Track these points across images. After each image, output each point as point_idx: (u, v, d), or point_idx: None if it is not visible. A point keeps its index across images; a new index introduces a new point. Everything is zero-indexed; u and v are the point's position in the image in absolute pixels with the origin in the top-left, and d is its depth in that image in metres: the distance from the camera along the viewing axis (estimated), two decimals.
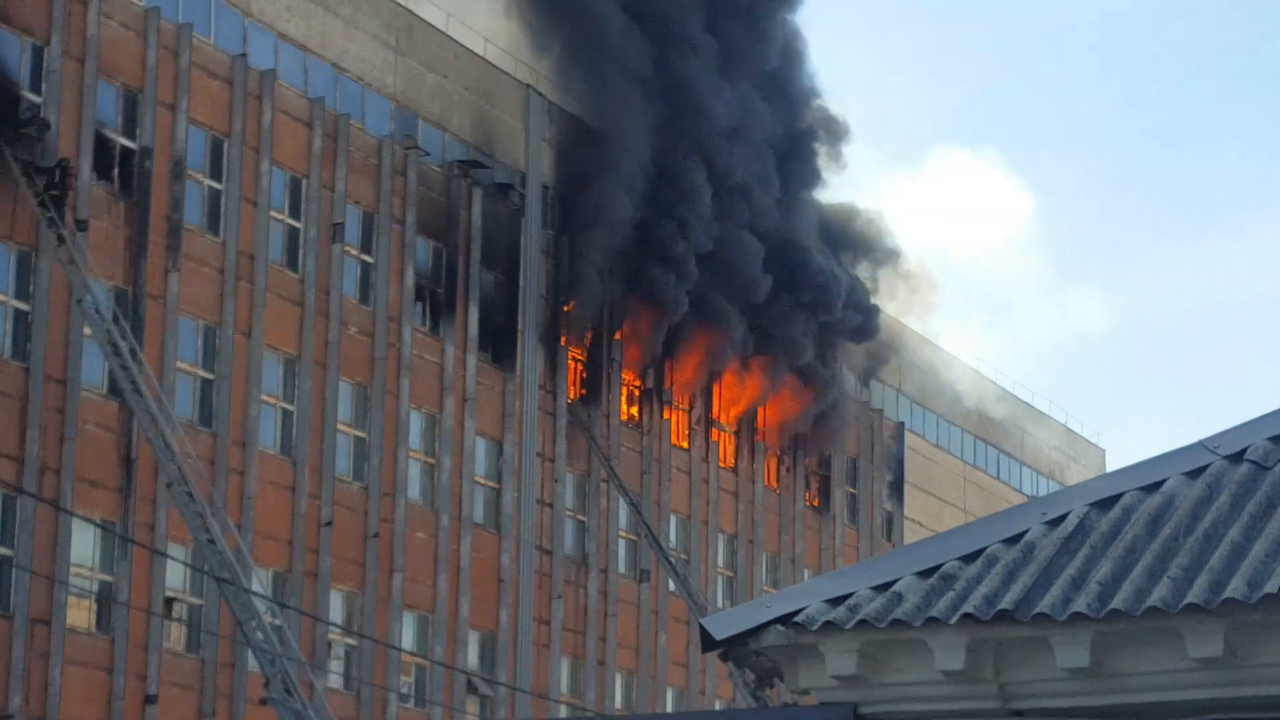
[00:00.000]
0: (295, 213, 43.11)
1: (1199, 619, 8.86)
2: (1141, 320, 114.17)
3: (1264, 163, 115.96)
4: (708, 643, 9.76)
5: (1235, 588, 8.83)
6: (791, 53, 55.23)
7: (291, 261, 42.90)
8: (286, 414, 42.42)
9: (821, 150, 56.19)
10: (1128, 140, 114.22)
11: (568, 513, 49.74)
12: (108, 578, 38.17)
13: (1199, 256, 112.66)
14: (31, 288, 37.47)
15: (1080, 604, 9.04)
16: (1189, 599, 8.87)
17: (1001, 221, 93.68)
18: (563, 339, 49.95)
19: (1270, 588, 8.77)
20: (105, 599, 37.91)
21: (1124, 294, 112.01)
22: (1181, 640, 8.94)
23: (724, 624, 9.72)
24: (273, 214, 42.44)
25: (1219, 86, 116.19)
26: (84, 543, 37.62)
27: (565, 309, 49.97)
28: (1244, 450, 9.88)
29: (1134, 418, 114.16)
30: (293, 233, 43.06)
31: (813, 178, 55.57)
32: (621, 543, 51.52)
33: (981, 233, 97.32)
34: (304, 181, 43.26)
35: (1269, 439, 9.89)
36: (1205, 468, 9.88)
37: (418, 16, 47.06)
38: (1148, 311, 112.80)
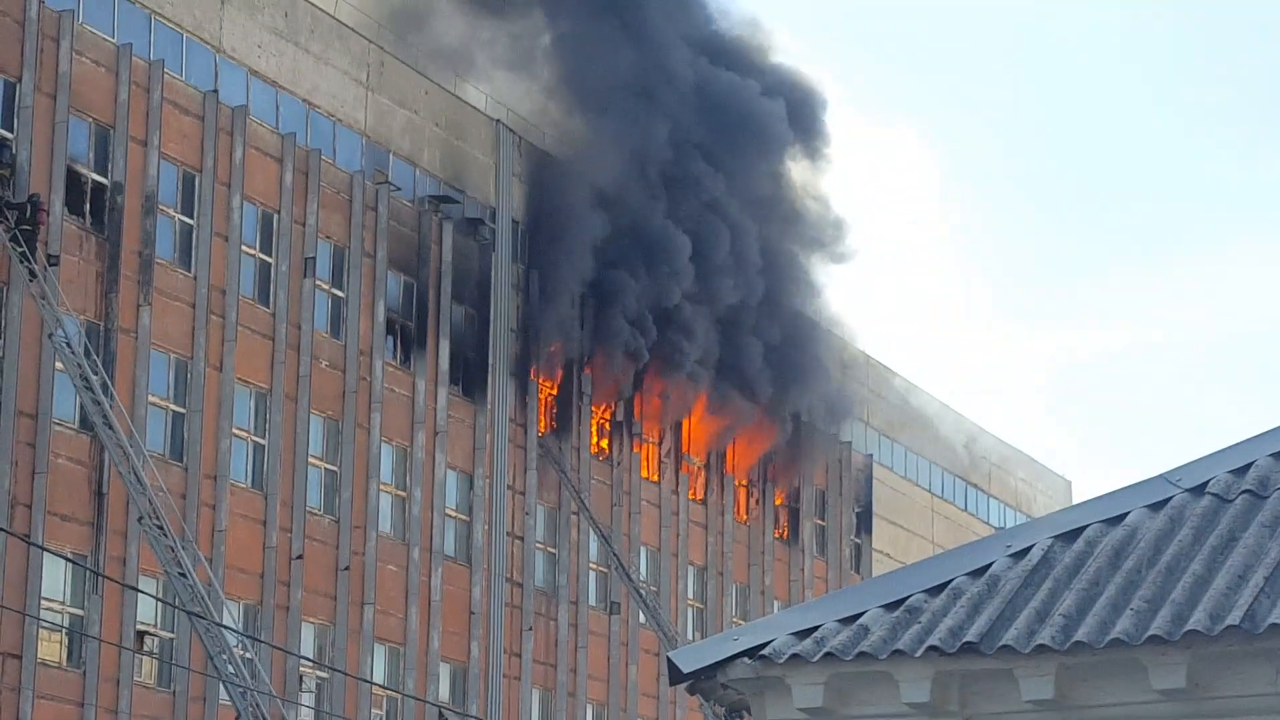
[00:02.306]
0: (266, 247, 43.06)
1: (1162, 651, 8.88)
2: (1109, 353, 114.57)
3: (1221, 194, 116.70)
4: (675, 675, 9.75)
5: (1198, 620, 8.85)
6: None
7: (263, 296, 42.83)
8: (258, 447, 42.32)
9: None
10: (1074, 164, 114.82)
11: (538, 545, 49.67)
12: (79, 611, 37.99)
13: (1162, 287, 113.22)
14: (3, 322, 37.35)
15: (1044, 636, 9.06)
16: (1152, 631, 8.89)
17: (950, 259, 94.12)
18: (533, 372, 49.94)
19: (1232, 620, 8.79)
20: (76, 633, 37.72)
21: (1088, 327, 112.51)
22: (1145, 672, 8.96)
23: (691, 657, 9.72)
24: (244, 248, 42.38)
25: (1180, 118, 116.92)
26: (55, 576, 37.43)
27: (535, 342, 49.97)
28: (1206, 483, 9.91)
29: (1101, 449, 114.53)
30: (264, 267, 42.99)
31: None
32: (592, 575, 51.46)
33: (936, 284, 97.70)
34: (275, 216, 43.22)
35: (1230, 472, 9.93)
36: (1167, 500, 9.91)
37: (388, 53, 47.13)
38: (1114, 344, 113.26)
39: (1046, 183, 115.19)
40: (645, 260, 51.40)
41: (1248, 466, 9.92)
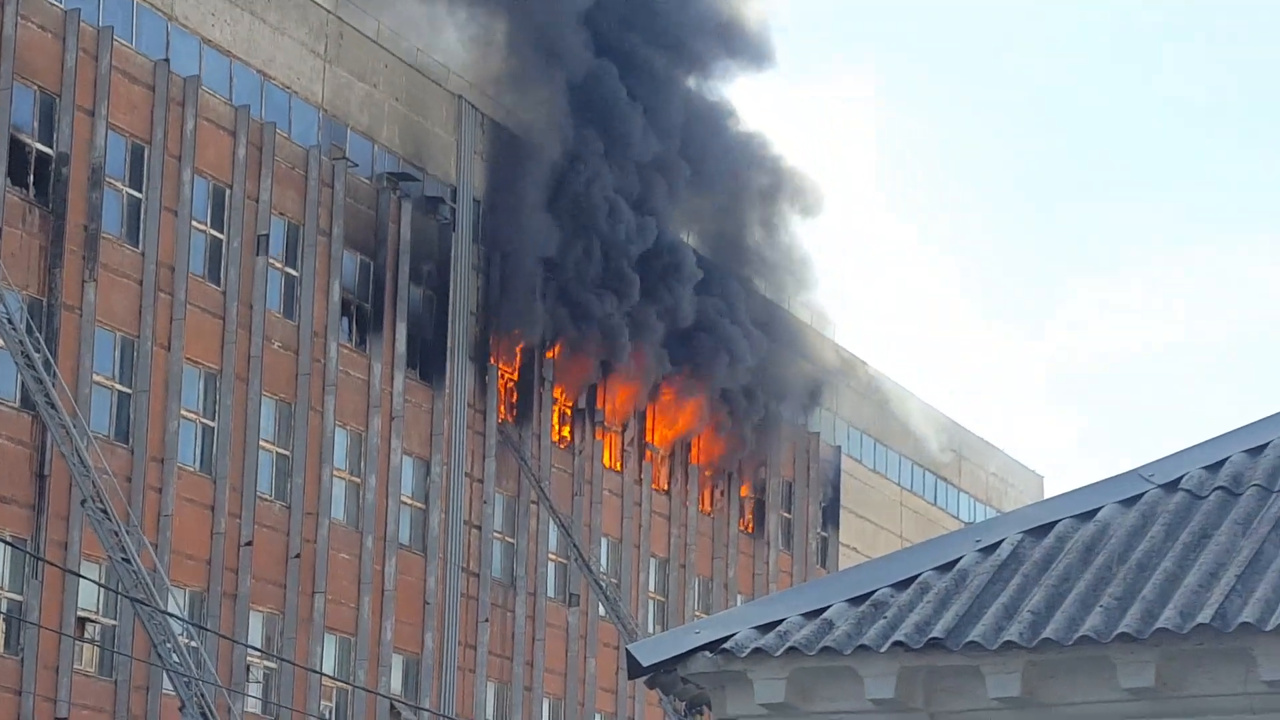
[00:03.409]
0: (218, 223, 42.94)
1: (1131, 649, 8.96)
2: (1099, 352, 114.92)
3: (1226, 189, 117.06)
4: (635, 669, 9.79)
5: (1168, 618, 8.93)
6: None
7: (214, 274, 42.72)
8: (207, 430, 42.23)
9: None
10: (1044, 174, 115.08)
11: (496, 534, 49.69)
12: (18, 597, 37.87)
13: (1164, 285, 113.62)
14: None
15: (1012, 633, 9.13)
16: (1121, 628, 8.97)
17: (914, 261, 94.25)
18: (493, 357, 49.91)
19: (1203, 618, 8.88)
20: (15, 619, 37.60)
21: (1078, 326, 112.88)
22: (1114, 670, 9.04)
23: (651, 650, 9.76)
24: (194, 224, 42.25)
25: (1161, 116, 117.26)
26: None
27: (496, 325, 49.95)
28: (1179, 479, 9.99)
29: (1074, 445, 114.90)
30: (215, 244, 42.88)
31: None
32: (551, 566, 51.48)
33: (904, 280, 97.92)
34: (228, 191, 43.10)
35: (1204, 468, 10.01)
36: (1140, 496, 9.98)
37: (348, 24, 47.01)
38: (1108, 344, 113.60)
39: (1041, 174, 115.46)
40: (607, 246, 51.40)
41: (1222, 462, 10.00)
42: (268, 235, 43.64)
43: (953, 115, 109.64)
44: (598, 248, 51.01)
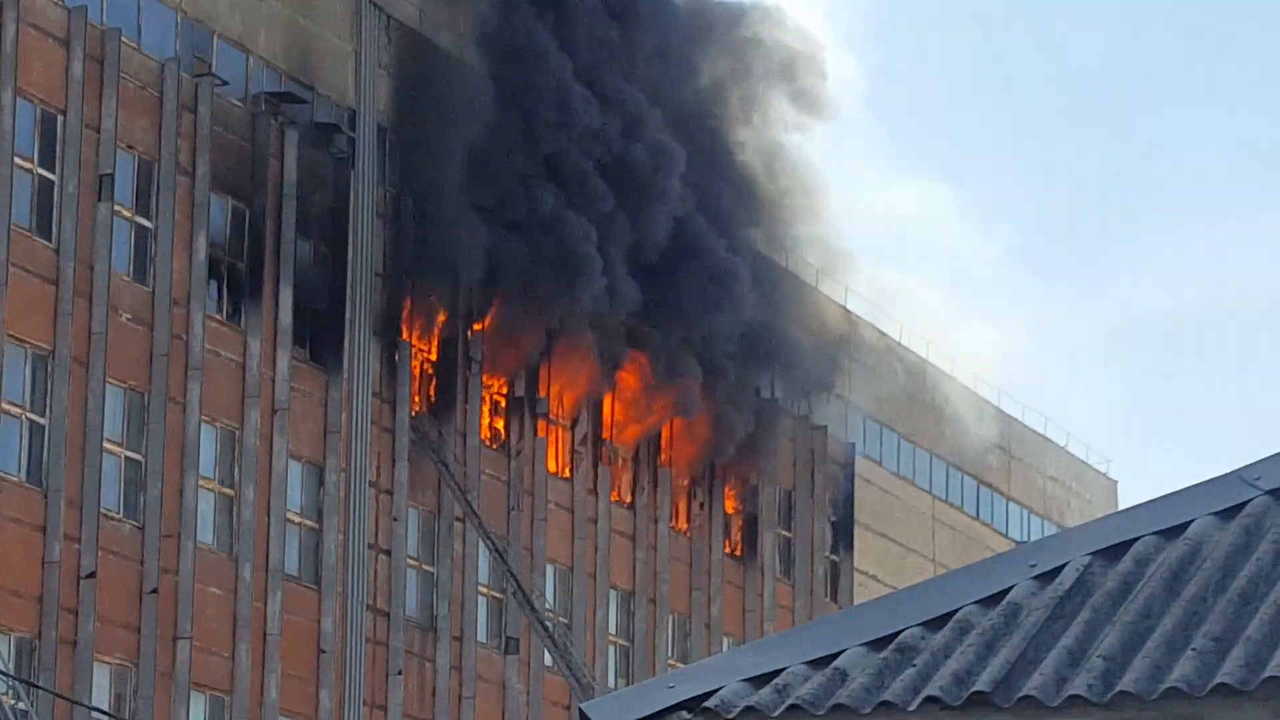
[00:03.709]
0: (48, 160, 42.85)
1: (1234, 704, 8.98)
2: (1172, 315, 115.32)
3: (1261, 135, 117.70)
4: None
5: None
6: None
7: (43, 225, 42.64)
8: (35, 428, 42.16)
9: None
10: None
11: (410, 562, 49.73)
12: None
13: (1195, 244, 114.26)
14: None
15: (1079, 685, 9.14)
16: (1220, 678, 8.98)
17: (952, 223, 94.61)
18: (405, 331, 49.91)
19: None
20: None
21: (1144, 284, 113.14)
22: None
23: (614, 710, 9.76)
24: (18, 161, 42.15)
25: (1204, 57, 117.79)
26: None
27: (408, 290, 49.95)
28: None
29: (1153, 438, 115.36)
30: (45, 186, 42.79)
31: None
32: (482, 602, 51.57)
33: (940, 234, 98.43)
34: (60, 118, 43.01)
35: None
36: (1242, 506, 10.00)
37: None
38: (1179, 304, 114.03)
39: (1095, 114, 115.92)
40: (557, 182, 51.42)
41: None
42: (112, 175, 43.56)
43: (989, 41, 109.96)
44: (542, 169, 50.88)
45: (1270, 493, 10.04)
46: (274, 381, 46.55)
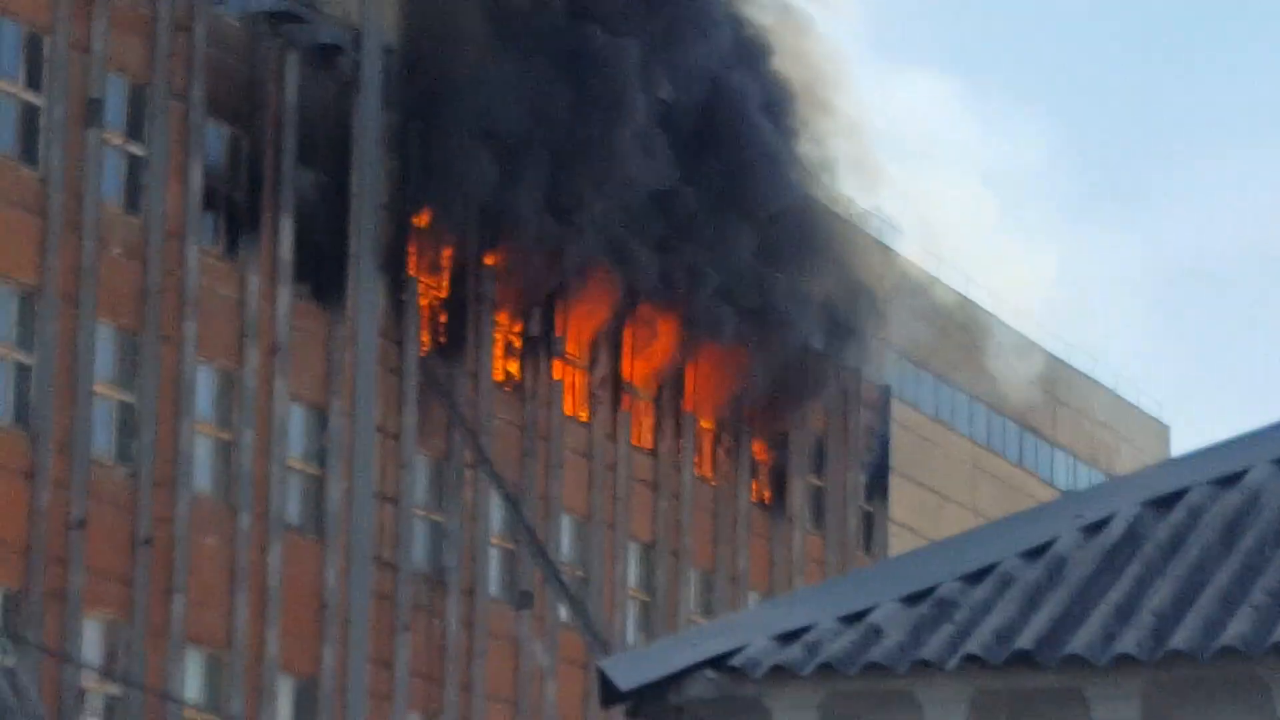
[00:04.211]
0: (33, 83, 42.87)
1: None
2: (1230, 251, 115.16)
3: None
4: (610, 694, 9.84)
5: None
6: None
7: (28, 153, 42.68)
8: (22, 370, 42.25)
9: None
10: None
11: (418, 511, 49.82)
12: None
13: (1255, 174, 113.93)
14: None
15: (1128, 642, 9.15)
16: (1278, 636, 8.99)
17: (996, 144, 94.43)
18: (413, 265, 49.92)
19: None
20: None
21: (1199, 217, 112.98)
22: (1269, 693, 9.07)
23: (633, 669, 9.80)
24: (2, 85, 42.19)
25: None
26: None
27: (416, 222, 49.95)
28: None
29: (1212, 382, 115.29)
30: (29, 113, 42.82)
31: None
32: (494, 553, 51.66)
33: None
34: (46, 40, 43.01)
35: None
36: None
37: None
38: (1239, 238, 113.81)
39: (1150, 34, 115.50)
40: (573, 107, 51.34)
41: None
42: (102, 100, 43.57)
43: None
44: (567, 97, 50.87)
45: None
46: (274, 319, 46.58)
